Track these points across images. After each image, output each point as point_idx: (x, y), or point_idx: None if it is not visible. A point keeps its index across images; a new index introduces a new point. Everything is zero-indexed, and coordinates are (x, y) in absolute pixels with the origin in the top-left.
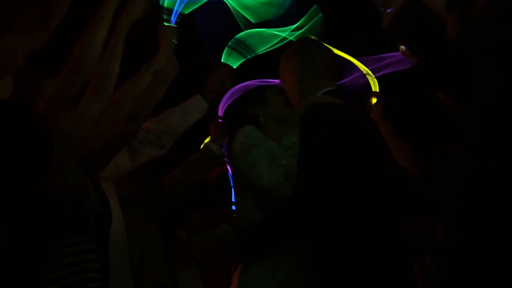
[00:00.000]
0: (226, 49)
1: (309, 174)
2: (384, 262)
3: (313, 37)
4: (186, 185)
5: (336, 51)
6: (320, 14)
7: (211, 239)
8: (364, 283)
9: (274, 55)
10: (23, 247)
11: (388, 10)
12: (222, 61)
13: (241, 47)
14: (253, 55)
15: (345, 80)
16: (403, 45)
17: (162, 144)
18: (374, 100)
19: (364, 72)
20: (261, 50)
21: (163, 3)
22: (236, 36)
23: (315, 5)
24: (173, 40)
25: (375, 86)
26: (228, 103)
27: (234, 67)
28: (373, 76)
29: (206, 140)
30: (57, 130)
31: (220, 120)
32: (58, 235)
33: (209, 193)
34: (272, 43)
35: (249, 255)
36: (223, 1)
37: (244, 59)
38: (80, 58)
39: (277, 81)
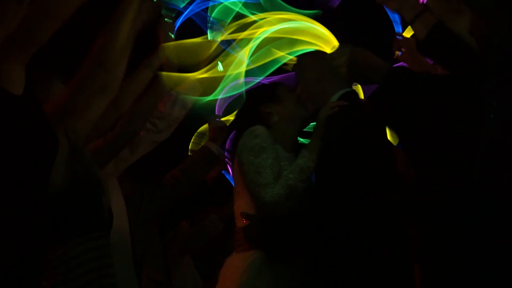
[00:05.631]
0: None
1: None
2: (385, 262)
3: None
4: (186, 184)
5: None
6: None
7: (200, 230)
8: (364, 284)
9: None
10: (39, 241)
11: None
12: None
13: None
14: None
15: None
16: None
17: (158, 128)
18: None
19: None
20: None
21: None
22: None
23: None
24: (171, 35)
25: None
26: (228, 102)
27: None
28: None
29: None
30: (70, 127)
31: (218, 120)
32: (79, 229)
33: (208, 193)
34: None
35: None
36: None
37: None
38: (104, 53)
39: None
